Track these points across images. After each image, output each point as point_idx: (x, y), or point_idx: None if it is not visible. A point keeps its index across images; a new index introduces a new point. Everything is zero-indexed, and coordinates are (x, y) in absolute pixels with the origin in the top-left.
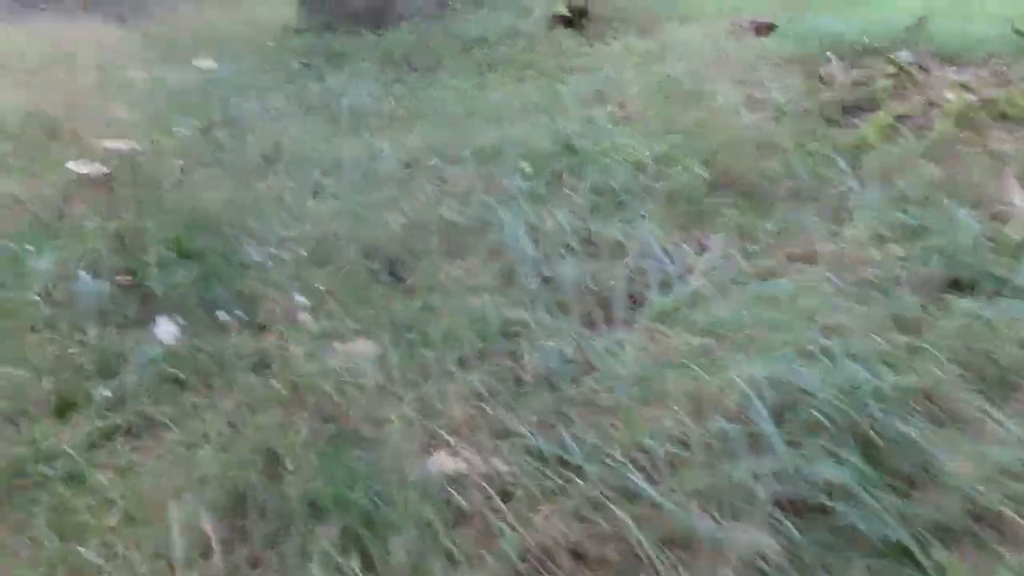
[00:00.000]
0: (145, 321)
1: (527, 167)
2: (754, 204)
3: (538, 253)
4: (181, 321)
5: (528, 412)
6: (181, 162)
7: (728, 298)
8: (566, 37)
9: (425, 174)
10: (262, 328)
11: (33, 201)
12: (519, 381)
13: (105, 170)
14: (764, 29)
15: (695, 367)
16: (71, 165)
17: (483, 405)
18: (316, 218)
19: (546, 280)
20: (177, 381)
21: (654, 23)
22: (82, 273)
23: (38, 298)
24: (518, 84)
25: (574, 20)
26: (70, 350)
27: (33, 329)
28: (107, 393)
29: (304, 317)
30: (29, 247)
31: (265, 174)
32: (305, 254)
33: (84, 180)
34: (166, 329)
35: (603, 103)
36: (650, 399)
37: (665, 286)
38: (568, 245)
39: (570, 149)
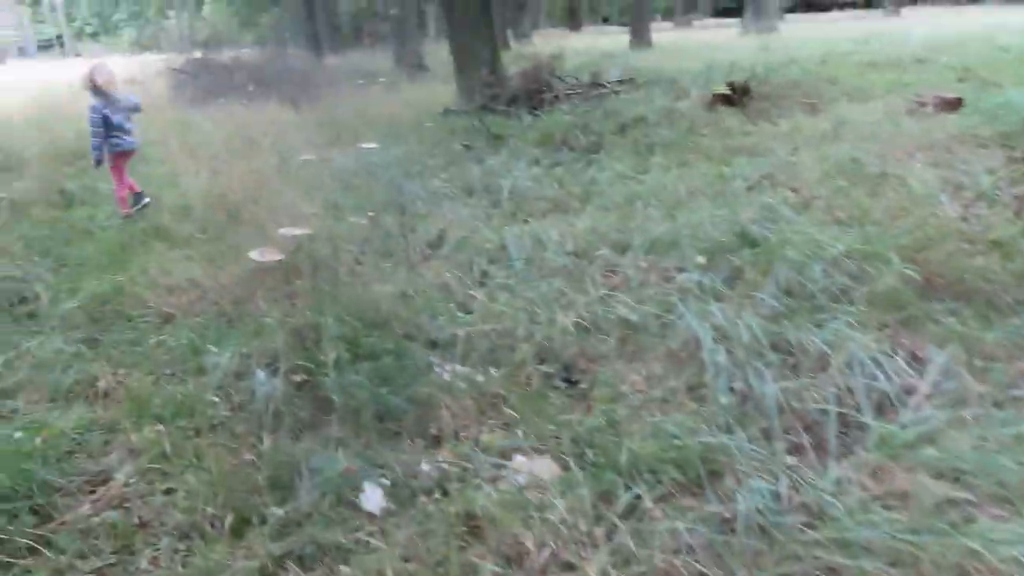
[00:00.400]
0: (318, 425)
1: (702, 259)
2: (976, 310)
3: (729, 362)
4: (386, 481)
5: (742, 568)
6: (353, 249)
7: (967, 431)
8: (728, 116)
9: (594, 265)
10: (437, 440)
11: (214, 289)
12: (727, 524)
13: (281, 257)
14: (950, 105)
15: (956, 534)
16: (253, 255)
17: (689, 558)
18: (485, 312)
19: (742, 397)
20: (351, 504)
21: (822, 101)
22: (259, 372)
23: (216, 399)
24: (682, 167)
25: (735, 99)
26: (246, 457)
27: (210, 430)
28: (281, 513)
29: (480, 428)
30: (210, 343)
31: (431, 260)
32: (476, 354)
33: (262, 268)
34: (373, 499)
35: (776, 187)
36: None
37: (883, 408)
38: (760, 354)
39: (748, 240)
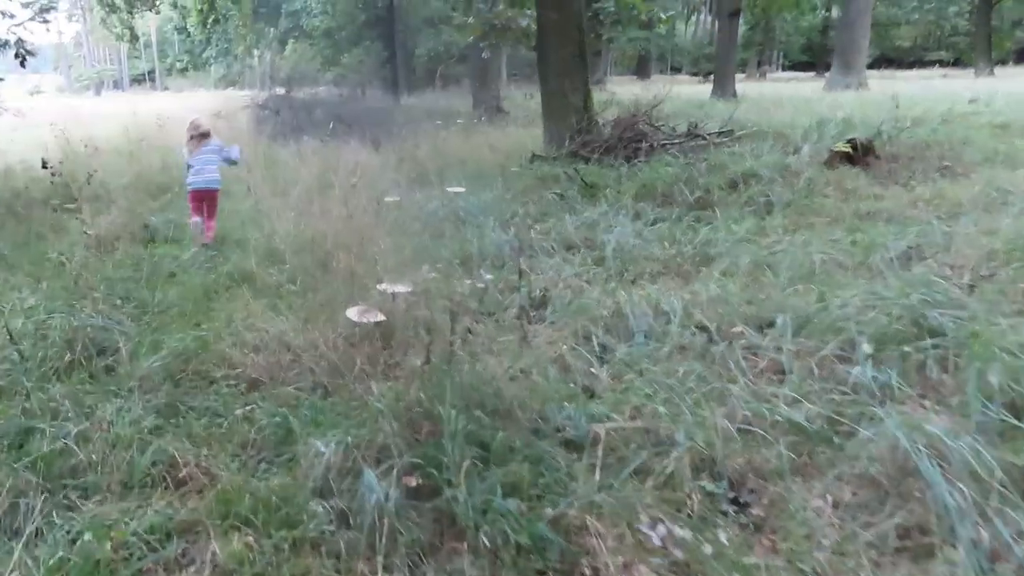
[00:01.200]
0: (441, 552)
1: (869, 348)
2: None
3: (957, 498)
4: None
5: None
6: (457, 311)
7: None
8: (851, 177)
9: (733, 345)
10: None
11: (306, 351)
12: None
13: (382, 318)
14: None
15: None
16: (351, 315)
17: None
18: (617, 400)
19: (991, 554)
20: None
21: (960, 164)
22: (367, 471)
23: (320, 509)
24: (806, 231)
25: (858, 158)
26: None
27: (312, 548)
28: None
29: (639, 568)
30: (304, 423)
31: (538, 323)
32: (620, 460)
33: (362, 330)
34: None
35: (925, 261)
36: None
37: None
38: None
39: (927, 329)
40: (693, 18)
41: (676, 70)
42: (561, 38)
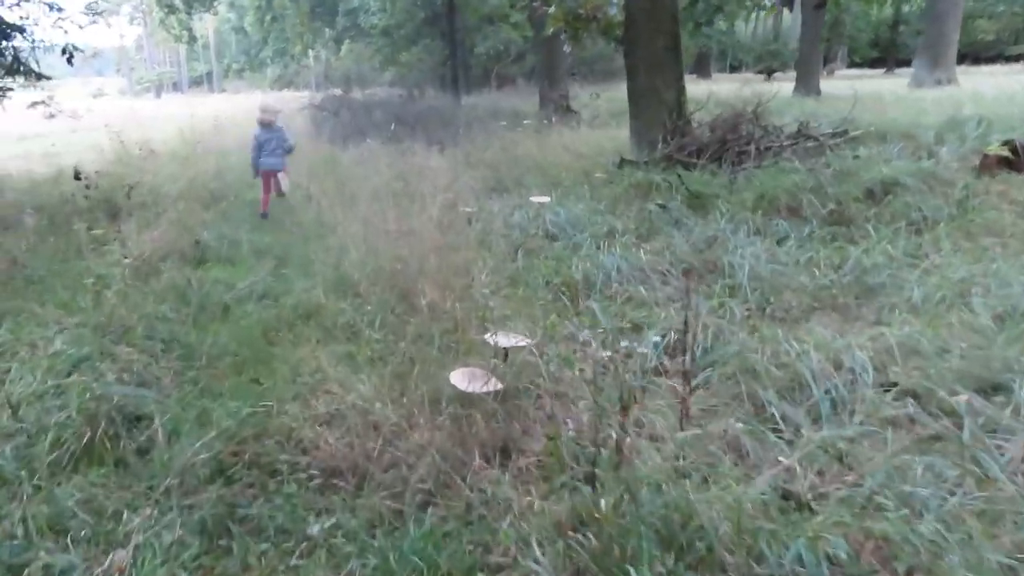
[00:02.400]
0: None
1: None
2: None
3: None
4: None
5: None
6: (589, 375)
7: None
8: (1017, 186)
9: (964, 422)
10: None
11: (399, 435)
12: None
13: (496, 386)
14: None
15: None
16: (455, 381)
17: None
18: (839, 521)
19: None
20: None
21: None
22: None
23: None
24: (978, 251)
25: (1018, 163)
26: None
27: None
28: None
29: None
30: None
31: (676, 377)
32: None
33: (471, 401)
34: None
35: None
36: None
37: None
38: None
39: None
40: (755, 13)
41: (735, 68)
42: (653, 28)
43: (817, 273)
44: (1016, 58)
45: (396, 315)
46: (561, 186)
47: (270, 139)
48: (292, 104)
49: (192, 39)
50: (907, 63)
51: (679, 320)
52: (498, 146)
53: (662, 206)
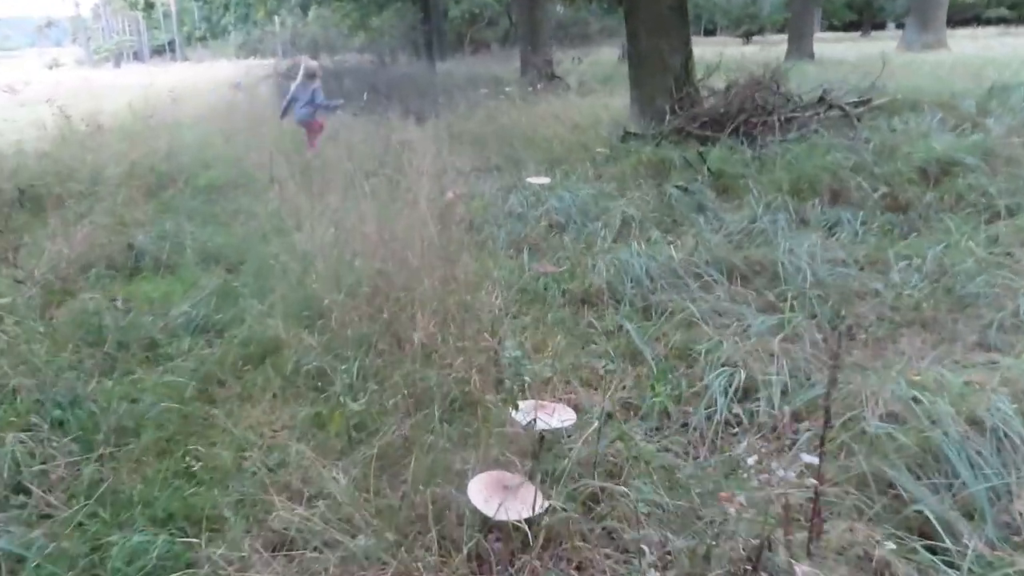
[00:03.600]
0: None
1: None
2: None
3: None
4: None
5: None
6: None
7: None
8: None
9: None
10: None
11: None
12: None
13: (540, 505)
14: None
15: None
16: (476, 498)
17: None
18: None
19: None
20: None
21: None
22: None
23: None
24: None
25: None
26: None
27: None
28: None
29: None
30: None
31: (743, 441)
32: None
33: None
34: None
35: None
36: None
37: None
38: None
39: None
40: None
41: (710, 32)
42: None
43: (891, 277)
44: (995, 21)
45: (381, 357)
46: (559, 164)
47: (303, 94)
48: (256, 72)
49: (149, 6)
50: (881, 26)
51: (743, 350)
52: (482, 116)
53: (683, 188)
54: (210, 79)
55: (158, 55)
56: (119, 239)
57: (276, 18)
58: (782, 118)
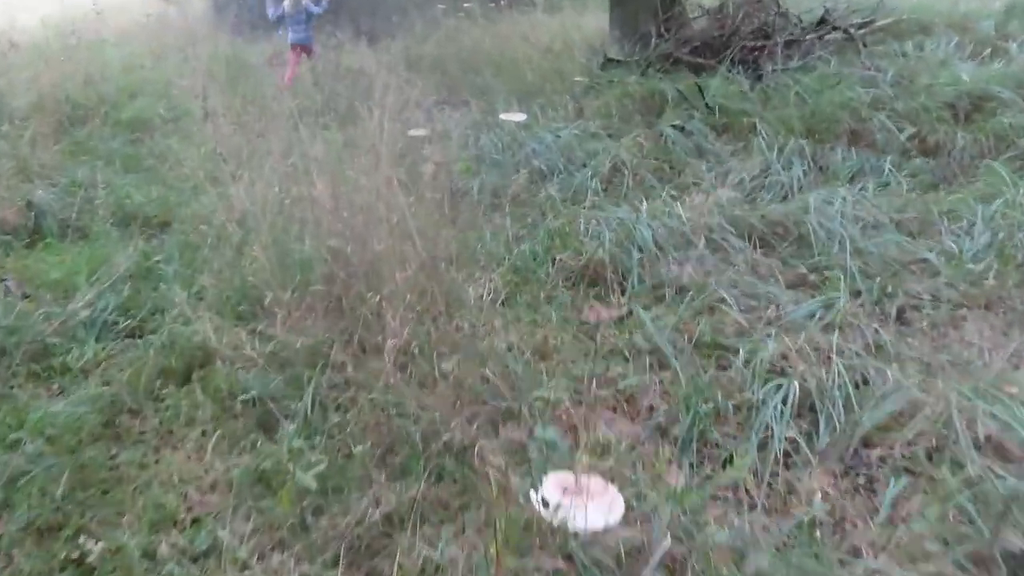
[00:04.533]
0: None
1: None
2: None
3: None
4: None
5: None
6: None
7: None
8: None
9: None
10: None
11: None
12: None
13: None
14: None
15: None
16: None
17: None
18: None
19: None
20: None
21: None
22: None
23: None
24: None
25: None
26: None
27: None
28: None
29: None
30: None
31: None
32: None
33: None
34: None
35: None
36: None
37: None
38: None
39: None
40: None
41: None
42: None
43: (943, 244)
44: None
45: (341, 371)
46: (534, 96)
47: (296, 15)
48: None
49: None
50: None
51: (790, 344)
52: (441, 37)
53: (679, 128)
54: None
55: None
56: (18, 193)
57: None
58: (782, 43)
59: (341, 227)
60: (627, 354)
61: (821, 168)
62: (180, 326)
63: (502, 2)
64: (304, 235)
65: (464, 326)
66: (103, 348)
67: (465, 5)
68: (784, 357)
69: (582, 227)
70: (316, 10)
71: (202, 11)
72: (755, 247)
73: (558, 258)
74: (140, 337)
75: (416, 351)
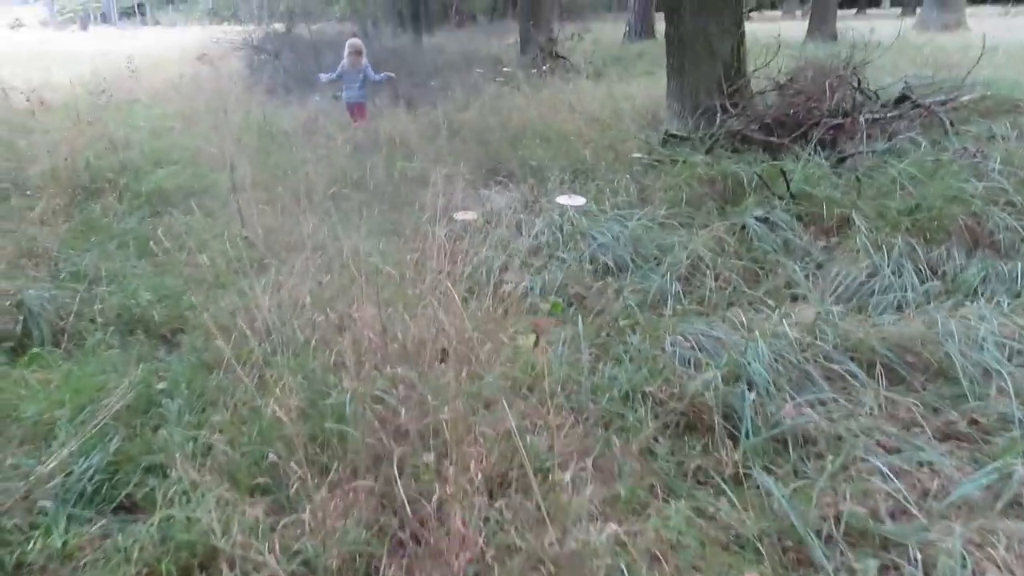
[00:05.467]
0: None
1: None
2: None
3: None
4: None
5: None
6: None
7: None
8: None
9: None
10: None
11: None
12: None
13: None
14: None
15: None
16: None
17: None
18: None
19: None
20: None
21: None
22: None
23: None
24: None
25: None
26: None
27: None
28: None
29: None
30: None
31: None
32: None
33: None
34: None
35: None
36: None
37: None
38: None
39: None
40: None
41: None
42: None
43: None
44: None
45: None
46: (588, 173)
47: (353, 74)
48: (228, 40)
49: None
50: (876, 3)
51: (976, 537)
52: (484, 104)
53: (764, 219)
54: (178, 46)
55: (128, 17)
56: (10, 288)
57: None
58: (865, 121)
59: (389, 369)
60: (758, 543)
61: (936, 273)
62: (177, 508)
63: (544, 67)
64: (341, 373)
65: (553, 528)
66: (75, 536)
67: (505, 70)
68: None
69: (669, 345)
70: (376, 78)
71: (236, 71)
72: (880, 380)
73: (647, 393)
74: (128, 512)
75: (495, 567)
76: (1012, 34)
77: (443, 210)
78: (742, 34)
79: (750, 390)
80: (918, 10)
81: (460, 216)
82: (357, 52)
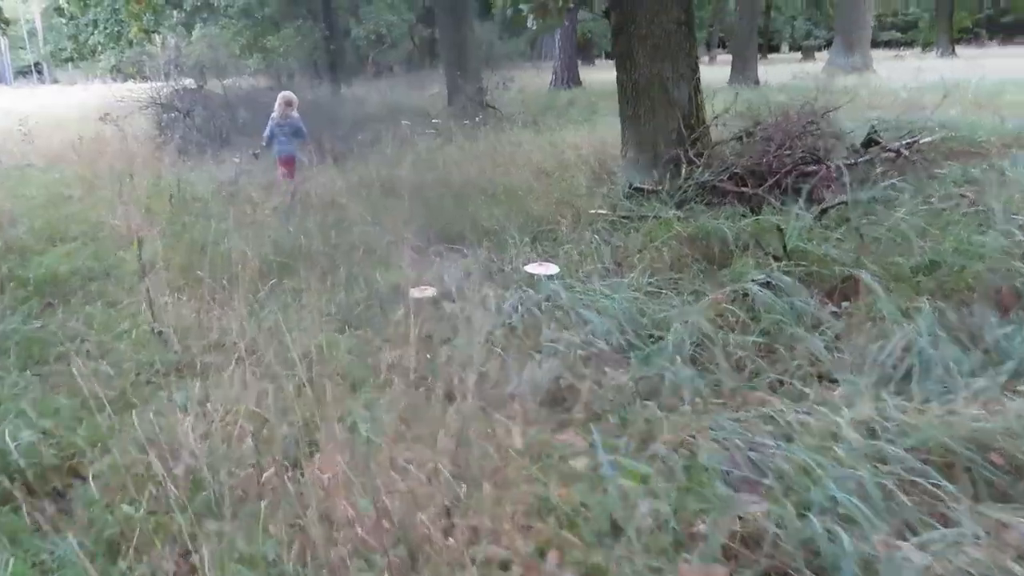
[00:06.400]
0: None
1: None
2: None
3: None
4: None
5: None
6: None
7: None
8: None
9: None
10: None
11: None
12: None
13: None
14: None
15: None
16: None
17: None
18: None
19: None
20: None
21: None
22: None
23: None
24: None
25: None
26: None
27: None
28: None
29: None
30: None
31: None
32: None
33: None
34: None
35: None
36: None
37: None
38: None
39: None
40: None
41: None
42: None
43: None
44: (886, 43)
45: None
46: (548, 234)
47: (284, 126)
48: (129, 100)
49: (5, 23)
50: (775, 49)
51: None
52: (418, 158)
53: (766, 284)
54: (78, 105)
55: (23, 76)
56: None
57: (156, 36)
58: (840, 167)
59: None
60: None
61: (974, 341)
62: None
63: (477, 118)
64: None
65: None
66: None
67: (434, 121)
68: None
69: (704, 456)
70: (306, 131)
71: (143, 130)
72: (969, 489)
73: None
74: None
75: None
76: (922, 75)
77: (395, 288)
78: (698, 79)
79: (836, 523)
80: (821, 53)
81: (417, 294)
82: (287, 103)
